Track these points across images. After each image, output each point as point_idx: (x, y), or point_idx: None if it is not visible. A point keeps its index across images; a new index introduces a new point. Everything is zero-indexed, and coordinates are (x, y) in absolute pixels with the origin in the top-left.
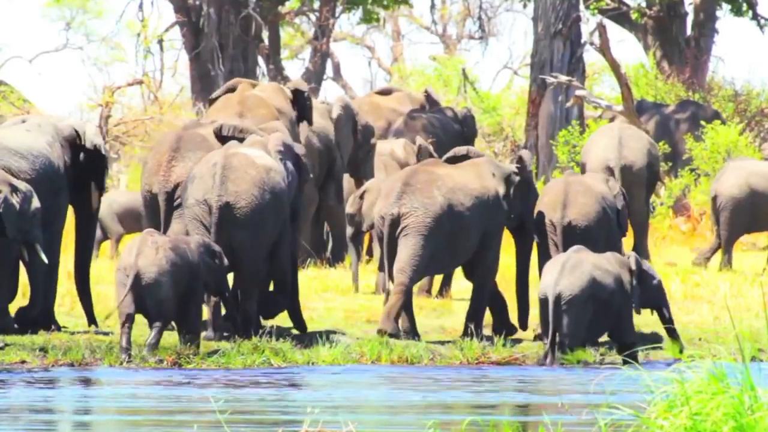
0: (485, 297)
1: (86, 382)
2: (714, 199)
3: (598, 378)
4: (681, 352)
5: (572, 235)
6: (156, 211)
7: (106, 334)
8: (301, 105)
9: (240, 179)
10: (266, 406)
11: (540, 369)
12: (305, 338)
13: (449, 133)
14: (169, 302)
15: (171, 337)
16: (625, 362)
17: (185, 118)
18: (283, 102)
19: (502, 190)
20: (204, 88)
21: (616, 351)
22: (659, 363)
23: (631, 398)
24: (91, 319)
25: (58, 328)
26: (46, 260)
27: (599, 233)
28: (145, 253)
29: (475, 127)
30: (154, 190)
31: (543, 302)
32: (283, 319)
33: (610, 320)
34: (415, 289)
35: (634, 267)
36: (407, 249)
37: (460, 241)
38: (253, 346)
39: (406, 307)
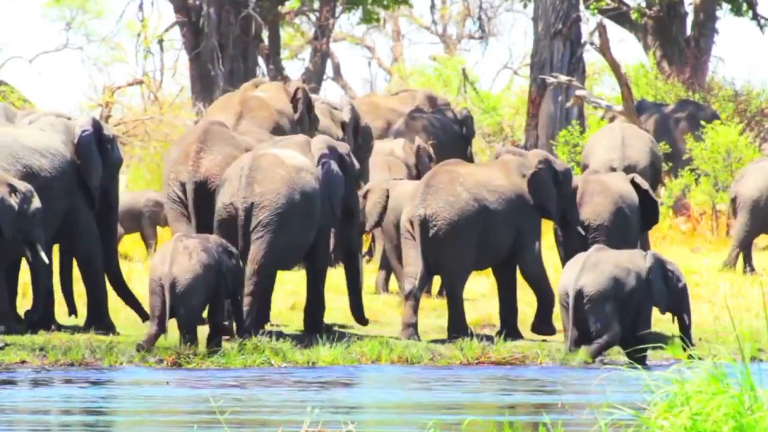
0: (547, 291)
1: (86, 382)
2: (734, 200)
3: (599, 378)
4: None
5: (586, 233)
6: (180, 200)
7: (106, 333)
8: (295, 105)
9: (267, 180)
10: (266, 406)
11: (540, 368)
12: (305, 338)
13: (449, 133)
14: (200, 309)
15: (172, 337)
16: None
17: (185, 119)
18: (285, 103)
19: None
20: (204, 88)
21: (629, 345)
22: (659, 363)
23: (631, 398)
24: (144, 315)
25: (58, 328)
26: (46, 260)
27: (615, 232)
28: (179, 261)
29: (473, 127)
30: (182, 179)
31: (563, 300)
32: (285, 319)
33: (630, 317)
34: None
35: (650, 264)
36: (445, 257)
37: (491, 237)
38: (253, 346)
39: (414, 306)
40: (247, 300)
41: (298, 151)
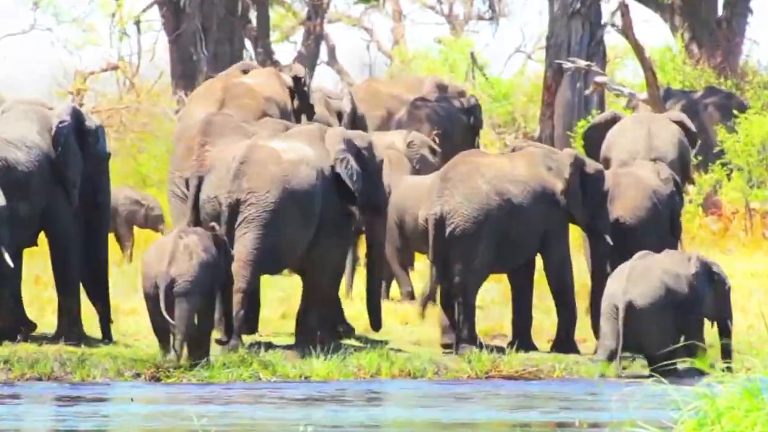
0: (571, 304)
1: (56, 398)
2: None
3: (620, 393)
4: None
5: (620, 233)
6: (185, 197)
7: (77, 345)
8: (300, 93)
9: (256, 175)
10: (254, 424)
11: (556, 383)
12: (297, 350)
13: (456, 123)
14: (194, 312)
15: (150, 349)
16: (649, 375)
17: (165, 107)
18: (277, 90)
19: (560, 185)
20: (185, 73)
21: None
22: (688, 376)
23: (657, 415)
24: (107, 336)
25: (25, 338)
26: (11, 263)
27: (650, 231)
28: (178, 259)
29: (481, 117)
30: (185, 176)
31: (609, 313)
32: (275, 328)
33: (682, 326)
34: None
35: (695, 269)
36: (461, 256)
37: (515, 237)
38: (240, 359)
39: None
40: (236, 298)
41: (306, 143)
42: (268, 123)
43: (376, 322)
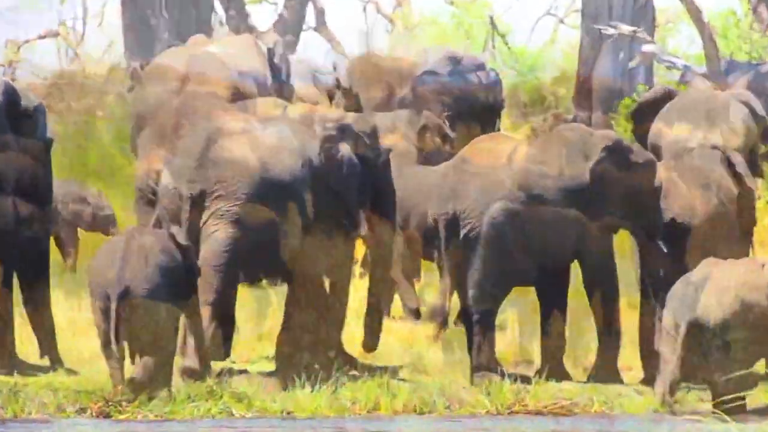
0: (614, 321)
1: None
2: None
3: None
4: None
5: (677, 237)
6: (155, 194)
7: (10, 373)
8: (272, 67)
9: (226, 162)
10: None
11: (593, 420)
12: (278, 379)
13: (472, 102)
14: (162, 325)
15: (99, 376)
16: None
17: (116, 83)
18: (254, 61)
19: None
20: (141, 42)
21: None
22: (758, 413)
23: None
24: (55, 359)
25: None
26: None
27: (714, 234)
28: (132, 263)
29: (502, 94)
30: (155, 166)
31: (670, 334)
32: (251, 352)
33: (759, 349)
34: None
35: None
36: (477, 265)
37: (545, 239)
38: (208, 390)
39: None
40: (204, 312)
41: (291, 126)
42: (264, 102)
43: (371, 342)
